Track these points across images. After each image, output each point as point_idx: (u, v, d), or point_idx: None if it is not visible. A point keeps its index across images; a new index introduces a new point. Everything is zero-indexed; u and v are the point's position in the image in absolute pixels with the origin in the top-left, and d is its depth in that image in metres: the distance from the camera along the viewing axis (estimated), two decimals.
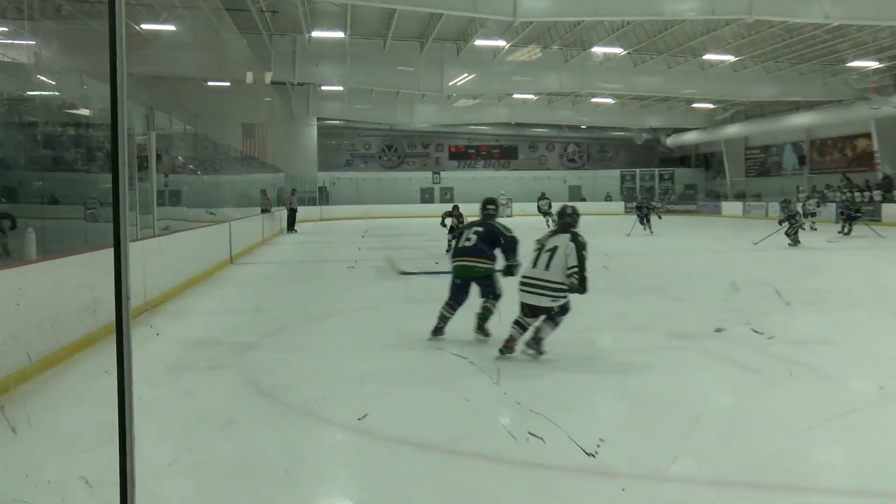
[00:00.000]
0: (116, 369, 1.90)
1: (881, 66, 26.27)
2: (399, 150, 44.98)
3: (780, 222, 17.28)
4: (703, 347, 6.46)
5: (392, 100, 36.08)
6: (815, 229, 22.69)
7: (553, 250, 5.97)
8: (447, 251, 14.33)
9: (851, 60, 25.87)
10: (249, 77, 19.35)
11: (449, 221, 15.26)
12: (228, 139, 16.38)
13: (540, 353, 6.03)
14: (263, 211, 22.22)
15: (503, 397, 4.99)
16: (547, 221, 26.83)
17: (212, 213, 13.91)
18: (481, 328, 6.80)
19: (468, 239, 6.89)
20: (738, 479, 3.61)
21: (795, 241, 16.82)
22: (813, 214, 23.31)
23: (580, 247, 5.90)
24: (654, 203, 23.46)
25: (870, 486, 3.55)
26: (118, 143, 1.79)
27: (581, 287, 5.83)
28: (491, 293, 6.88)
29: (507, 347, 6.02)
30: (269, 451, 4.02)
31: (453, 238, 14.13)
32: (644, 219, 22.29)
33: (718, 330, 7.02)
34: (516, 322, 6.08)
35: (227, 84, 16.82)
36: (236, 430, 4.35)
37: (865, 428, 4.36)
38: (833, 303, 8.94)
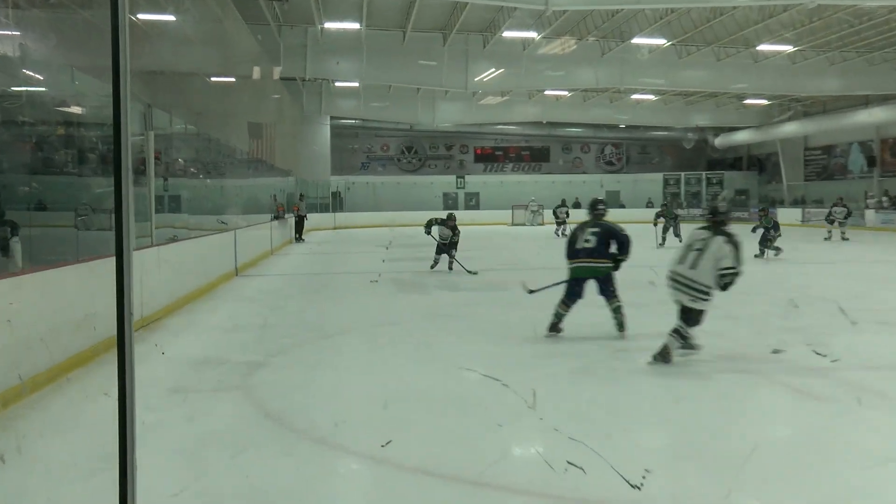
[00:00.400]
0: (118, 391, 1.91)
1: None
2: (420, 151, 45.12)
3: (754, 230, 17.36)
4: (759, 370, 6.39)
5: (412, 97, 36.23)
6: (847, 239, 22.67)
7: (702, 249, 6.41)
8: (432, 267, 14.38)
9: None
10: (257, 72, 19.50)
11: (437, 231, 14.48)
12: (233, 140, 16.51)
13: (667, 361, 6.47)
14: (275, 218, 22.34)
15: (539, 423, 4.97)
16: (558, 231, 26.64)
17: (223, 223, 14.01)
18: (623, 326, 7.80)
19: (587, 240, 7.75)
20: None
21: (762, 253, 17.03)
22: (842, 223, 23.10)
23: (737, 247, 6.42)
24: (678, 211, 22.76)
25: None
26: (121, 145, 1.81)
27: (725, 289, 6.37)
28: (613, 292, 7.78)
29: (664, 355, 6.43)
30: (279, 482, 4.01)
31: (445, 252, 14.41)
32: (671, 227, 21.56)
33: (776, 351, 6.94)
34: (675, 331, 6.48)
35: (233, 80, 16.95)
36: (243, 460, 4.36)
37: None
38: None
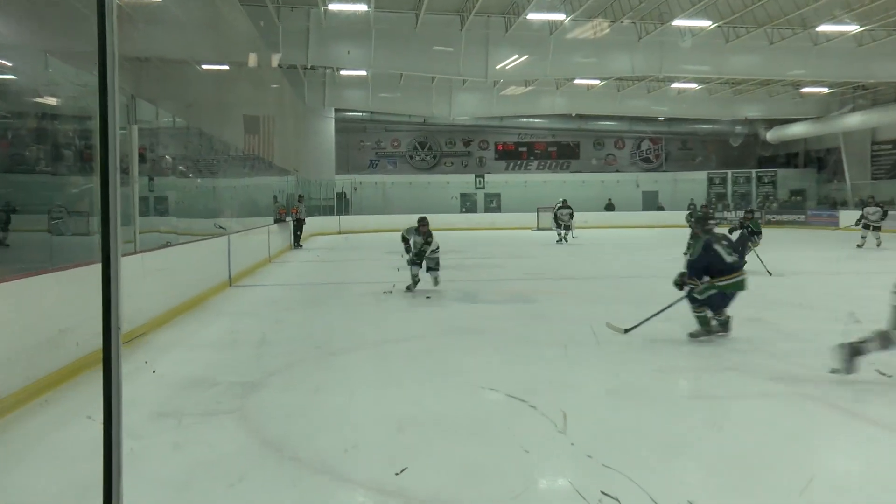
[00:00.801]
0: (103, 415, 1.92)
1: None
2: (434, 148, 45.23)
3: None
4: (815, 394, 6.34)
5: (426, 87, 36.34)
6: (880, 244, 22.57)
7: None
8: (409, 289, 13.34)
9: None
10: (253, 59, 19.59)
11: (415, 241, 13.34)
12: (227, 135, 16.59)
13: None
14: (277, 221, 22.39)
15: (570, 448, 4.98)
16: (561, 237, 26.53)
17: (220, 227, 14.08)
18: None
19: (738, 252, 8.55)
20: None
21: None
22: (877, 228, 22.73)
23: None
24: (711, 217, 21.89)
25: None
26: (108, 141, 1.82)
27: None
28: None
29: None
30: None
31: (415, 262, 13.39)
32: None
33: (834, 371, 6.90)
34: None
35: (226, 68, 17.04)
36: (238, 492, 4.37)
37: None
38: None
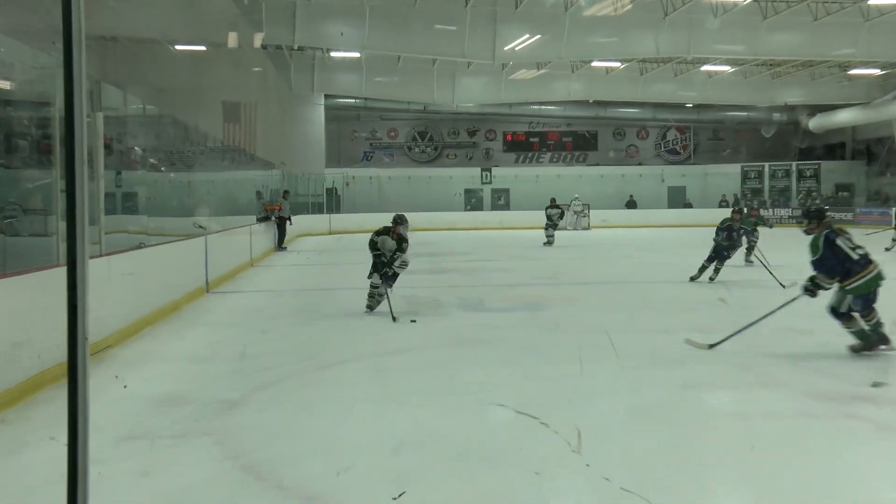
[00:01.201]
0: (68, 435, 1.93)
1: None
2: (436, 138, 45.29)
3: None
4: (862, 414, 6.34)
5: (427, 71, 36.34)
6: None
7: None
8: (371, 308, 11.84)
9: None
10: (233, 39, 19.62)
11: (389, 244, 11.79)
12: (204, 123, 16.62)
13: None
14: (262, 219, 22.38)
15: (585, 470, 5.02)
16: (548, 237, 26.49)
17: (200, 227, 14.09)
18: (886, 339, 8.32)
19: (854, 249, 8.27)
20: None
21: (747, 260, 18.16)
22: None
23: None
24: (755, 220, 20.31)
25: None
26: (75, 132, 1.84)
27: None
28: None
29: None
30: None
31: (387, 269, 11.71)
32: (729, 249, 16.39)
33: (877, 384, 6.98)
34: None
35: (203, 49, 17.07)
36: None
37: None
38: None
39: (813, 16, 28.01)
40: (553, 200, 27.60)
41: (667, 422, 6.16)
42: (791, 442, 5.71)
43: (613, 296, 14.07)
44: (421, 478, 4.92)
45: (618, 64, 35.83)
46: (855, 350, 8.22)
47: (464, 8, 27.32)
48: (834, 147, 45.77)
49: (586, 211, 37.66)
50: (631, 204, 42.23)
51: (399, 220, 11.91)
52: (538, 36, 27.84)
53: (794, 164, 44.35)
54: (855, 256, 8.12)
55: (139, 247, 10.65)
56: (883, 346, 8.19)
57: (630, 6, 27.36)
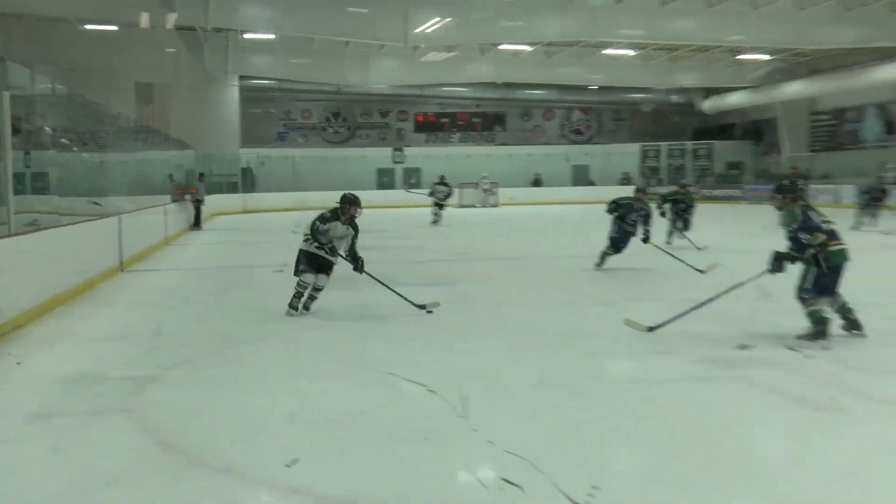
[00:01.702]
0: None
1: None
2: (349, 119, 44.93)
3: (663, 213, 16.82)
4: (750, 377, 6.46)
5: (340, 53, 35.90)
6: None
7: None
8: (294, 309, 9.52)
9: None
10: (145, 19, 19.07)
11: (339, 231, 9.69)
12: (117, 104, 16.16)
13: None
14: (174, 201, 21.95)
15: (471, 435, 5.07)
16: (435, 217, 26.20)
17: (96, 204, 13.66)
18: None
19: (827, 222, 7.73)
20: None
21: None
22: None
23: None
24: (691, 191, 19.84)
25: None
26: None
27: None
28: None
29: None
30: None
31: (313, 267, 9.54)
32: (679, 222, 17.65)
33: (743, 347, 7.24)
34: None
35: (115, 29, 16.56)
36: (128, 498, 4.22)
37: None
38: None
39: (708, 3, 28.42)
40: (442, 178, 27.44)
41: (559, 390, 6.20)
42: (677, 403, 5.86)
43: (522, 271, 14.08)
44: (316, 449, 4.88)
45: (525, 47, 35.91)
46: (807, 338, 7.42)
47: None
48: (726, 127, 46.74)
49: (494, 189, 37.82)
50: (537, 182, 42.50)
51: (352, 200, 9.62)
52: (449, 19, 27.64)
53: (689, 143, 45.26)
54: (826, 228, 7.67)
55: (33, 224, 10.23)
56: (856, 332, 7.63)
57: None
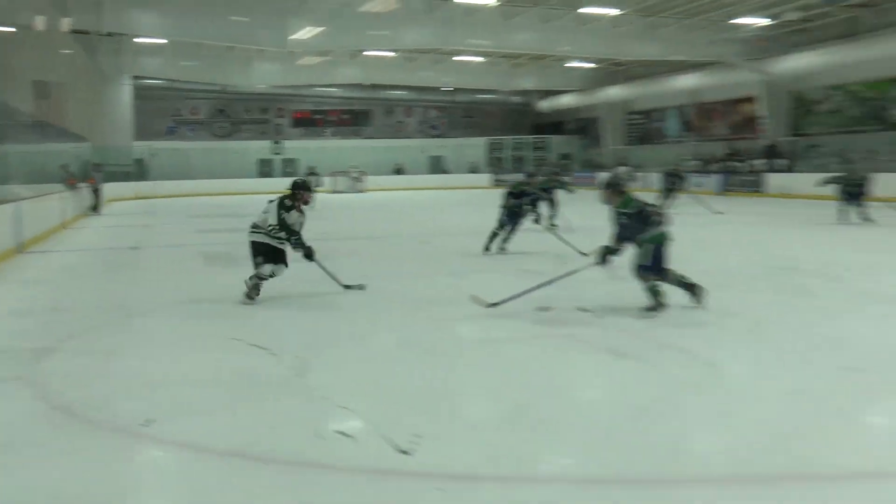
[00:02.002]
0: None
1: (772, 22, 27.68)
2: (233, 115, 43.76)
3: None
4: (575, 335, 6.62)
5: (225, 56, 34.93)
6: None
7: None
8: (251, 297, 8.43)
9: (739, 17, 27.04)
10: (40, 23, 18.05)
11: (296, 218, 8.57)
12: (14, 100, 15.26)
13: None
14: (68, 190, 20.99)
15: (310, 392, 5.12)
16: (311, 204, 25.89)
17: None
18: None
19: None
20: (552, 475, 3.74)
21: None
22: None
23: None
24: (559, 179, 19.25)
25: (748, 471, 3.74)
26: None
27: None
28: None
29: None
30: (72, 480, 3.75)
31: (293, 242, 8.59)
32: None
33: (543, 309, 7.41)
34: None
35: (12, 30, 15.63)
36: (21, 458, 4.03)
37: (742, 412, 4.64)
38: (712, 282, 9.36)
39: (542, 20, 28.84)
40: (312, 169, 27.05)
41: (399, 350, 6.31)
42: (524, 358, 5.93)
43: (383, 248, 14.04)
44: (176, 408, 4.79)
45: (390, 53, 35.71)
46: (650, 310, 7.27)
47: (256, 1, 26.31)
48: (559, 124, 47.63)
49: (362, 177, 37.65)
50: (399, 171, 42.39)
51: (304, 186, 8.58)
52: (322, 28, 27.19)
53: (528, 137, 46.11)
54: (651, 212, 7.44)
55: None
56: (696, 305, 7.42)
57: (396, 5, 27.25)
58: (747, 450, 3.99)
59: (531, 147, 45.56)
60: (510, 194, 12.50)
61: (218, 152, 39.95)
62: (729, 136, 34.78)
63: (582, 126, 45.92)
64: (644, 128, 41.17)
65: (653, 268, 7.27)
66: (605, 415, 4.67)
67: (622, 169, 23.05)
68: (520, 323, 7.12)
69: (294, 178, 8.60)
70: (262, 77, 37.26)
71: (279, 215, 8.27)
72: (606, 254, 7.49)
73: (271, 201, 8.43)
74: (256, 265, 8.31)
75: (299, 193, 8.39)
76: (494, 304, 7.48)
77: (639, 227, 7.30)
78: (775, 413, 4.61)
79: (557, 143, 45.95)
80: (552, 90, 43.26)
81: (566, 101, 43.59)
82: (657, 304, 7.27)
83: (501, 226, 12.39)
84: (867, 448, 4.09)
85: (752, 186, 29.42)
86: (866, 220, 16.01)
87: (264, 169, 40.98)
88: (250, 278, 8.30)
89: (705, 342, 6.35)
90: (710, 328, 6.90)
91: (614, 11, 27.01)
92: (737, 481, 3.65)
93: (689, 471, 3.83)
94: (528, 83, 41.39)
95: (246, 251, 8.59)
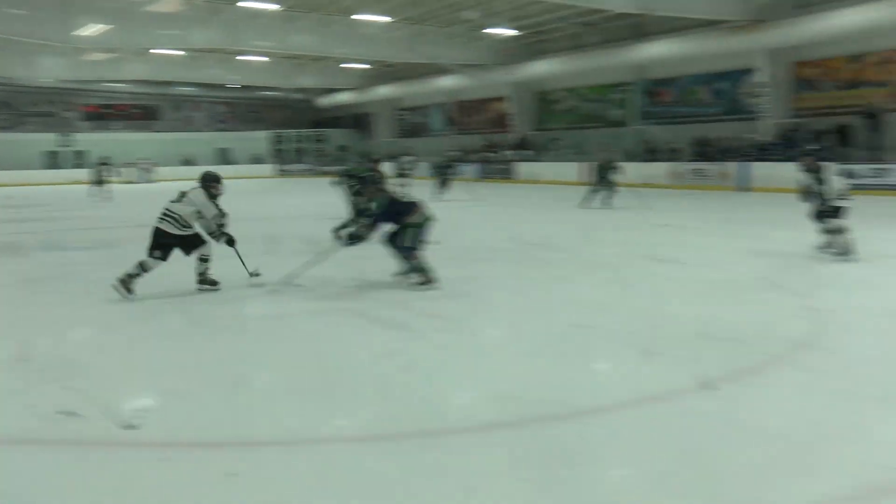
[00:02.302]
0: None
1: (518, 33, 28.62)
2: (18, 108, 39.25)
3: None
4: (351, 308, 6.44)
5: (6, 48, 30.90)
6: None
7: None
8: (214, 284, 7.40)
9: (491, 27, 27.60)
10: None
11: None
12: None
13: None
14: None
15: (34, 376, 4.62)
16: (98, 193, 22.99)
17: None
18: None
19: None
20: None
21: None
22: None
23: None
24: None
25: (503, 418, 3.85)
26: None
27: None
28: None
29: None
30: None
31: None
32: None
33: (254, 274, 7.29)
34: None
35: None
36: None
37: (496, 366, 4.78)
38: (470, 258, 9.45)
39: (320, 24, 28.15)
40: (103, 159, 24.74)
41: (212, 328, 5.96)
42: (306, 330, 5.85)
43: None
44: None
45: (178, 52, 33.26)
46: (421, 284, 7.18)
47: None
48: (337, 119, 47.21)
49: (152, 168, 35.51)
50: (188, 162, 39.93)
51: (216, 177, 7.41)
52: (113, 26, 24.72)
53: (309, 131, 45.53)
54: (406, 200, 7.55)
55: None
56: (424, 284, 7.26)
57: (184, 6, 25.40)
58: (501, 398, 4.10)
59: (312, 140, 44.89)
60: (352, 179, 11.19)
61: (2, 144, 35.54)
62: (485, 130, 35.94)
63: (357, 121, 45.84)
64: (412, 122, 41.70)
65: (414, 248, 7.24)
66: (374, 377, 4.58)
67: (406, 158, 22.91)
68: (303, 299, 6.87)
69: (204, 171, 7.54)
70: (47, 71, 33.67)
71: (215, 205, 7.18)
72: (352, 239, 7.34)
73: (184, 193, 7.15)
74: (151, 255, 6.89)
75: (215, 185, 7.27)
76: (254, 275, 7.35)
77: (397, 216, 7.23)
78: (522, 366, 4.76)
79: (335, 137, 45.46)
80: (330, 88, 42.63)
81: (343, 98, 43.22)
82: (427, 280, 7.22)
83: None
84: (593, 388, 4.36)
85: (505, 174, 30.36)
86: (606, 204, 16.14)
87: (51, 160, 37.22)
88: (134, 268, 6.84)
89: (465, 310, 6.44)
90: (470, 298, 6.96)
91: (385, 19, 26.94)
92: (495, 426, 3.73)
93: (454, 421, 3.87)
94: (308, 81, 40.35)
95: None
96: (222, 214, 7.16)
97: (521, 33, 28.73)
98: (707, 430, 3.57)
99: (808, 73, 23.06)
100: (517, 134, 33.23)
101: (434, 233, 7.37)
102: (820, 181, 8.70)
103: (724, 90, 25.62)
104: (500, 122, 35.07)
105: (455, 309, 6.40)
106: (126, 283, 6.73)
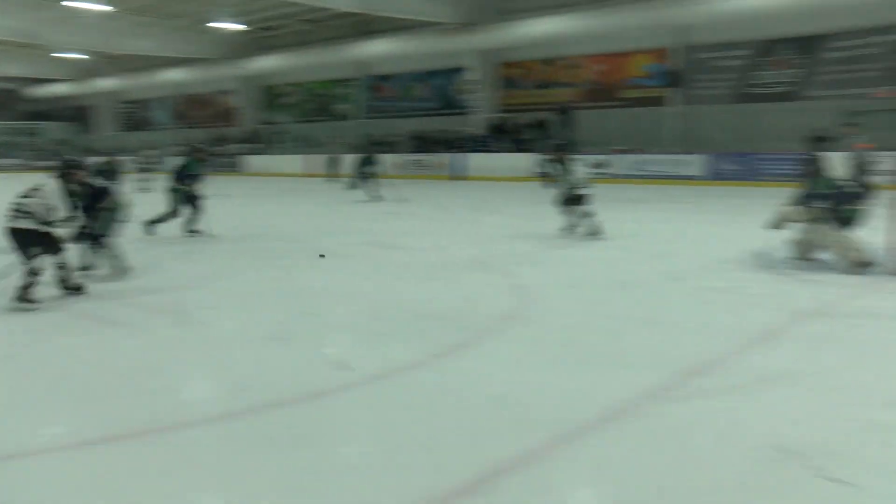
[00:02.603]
0: None
1: (246, 28, 28.78)
2: None
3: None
4: (73, 309, 6.04)
5: None
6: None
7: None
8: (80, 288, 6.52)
9: (216, 21, 27.25)
10: None
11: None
12: None
13: None
14: None
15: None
16: None
17: None
18: None
19: None
20: None
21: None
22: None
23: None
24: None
25: (237, 406, 3.75)
26: None
27: None
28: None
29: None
30: None
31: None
32: None
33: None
34: None
35: None
36: None
37: (229, 358, 4.72)
38: None
39: (28, 8, 26.06)
40: None
41: (115, 325, 5.53)
42: (30, 339, 5.30)
43: None
44: None
45: None
46: (112, 273, 7.01)
47: None
48: (53, 111, 43.88)
49: None
50: None
51: (77, 164, 6.63)
52: None
53: (18, 123, 42.02)
54: (99, 185, 7.09)
55: None
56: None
57: None
58: (233, 388, 4.08)
59: (25, 133, 41.28)
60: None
61: None
62: (213, 124, 35.38)
63: (75, 114, 42.97)
64: (136, 116, 40.09)
65: (108, 235, 7.04)
66: (99, 379, 4.30)
67: (151, 152, 22.22)
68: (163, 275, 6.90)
69: (64, 158, 6.76)
70: None
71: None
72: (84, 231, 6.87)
73: (37, 188, 5.98)
74: (31, 257, 5.82)
75: (74, 172, 6.45)
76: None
77: (92, 202, 6.80)
78: (252, 355, 4.71)
79: (50, 130, 42.28)
80: (42, 78, 39.42)
81: (59, 89, 40.34)
82: (123, 267, 7.09)
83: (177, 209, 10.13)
84: (322, 371, 4.34)
85: (233, 167, 30.34)
86: (375, 197, 15.84)
87: None
88: (25, 276, 5.83)
89: (194, 303, 6.27)
90: (199, 290, 6.86)
91: (103, 7, 25.26)
92: (229, 416, 3.66)
93: (186, 415, 3.69)
94: (12, 70, 36.96)
95: None
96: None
97: (248, 28, 28.89)
98: (428, 401, 3.81)
99: (512, 73, 26.06)
100: (245, 128, 33.29)
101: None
102: (565, 171, 9.62)
103: (439, 87, 27.97)
104: (228, 116, 34.85)
105: (183, 302, 6.25)
106: (29, 297, 5.80)
